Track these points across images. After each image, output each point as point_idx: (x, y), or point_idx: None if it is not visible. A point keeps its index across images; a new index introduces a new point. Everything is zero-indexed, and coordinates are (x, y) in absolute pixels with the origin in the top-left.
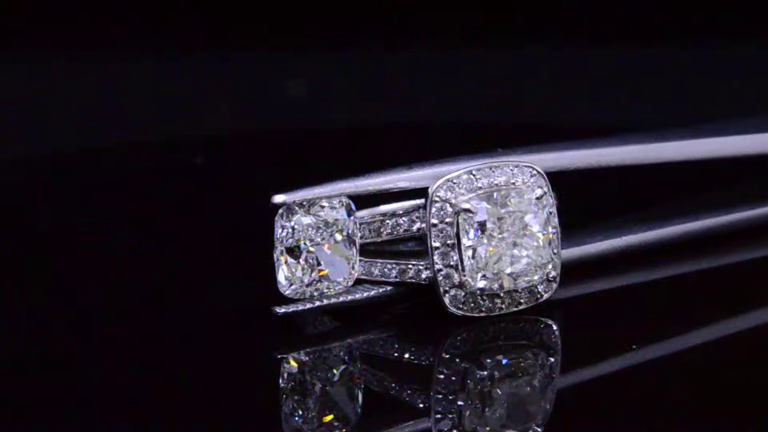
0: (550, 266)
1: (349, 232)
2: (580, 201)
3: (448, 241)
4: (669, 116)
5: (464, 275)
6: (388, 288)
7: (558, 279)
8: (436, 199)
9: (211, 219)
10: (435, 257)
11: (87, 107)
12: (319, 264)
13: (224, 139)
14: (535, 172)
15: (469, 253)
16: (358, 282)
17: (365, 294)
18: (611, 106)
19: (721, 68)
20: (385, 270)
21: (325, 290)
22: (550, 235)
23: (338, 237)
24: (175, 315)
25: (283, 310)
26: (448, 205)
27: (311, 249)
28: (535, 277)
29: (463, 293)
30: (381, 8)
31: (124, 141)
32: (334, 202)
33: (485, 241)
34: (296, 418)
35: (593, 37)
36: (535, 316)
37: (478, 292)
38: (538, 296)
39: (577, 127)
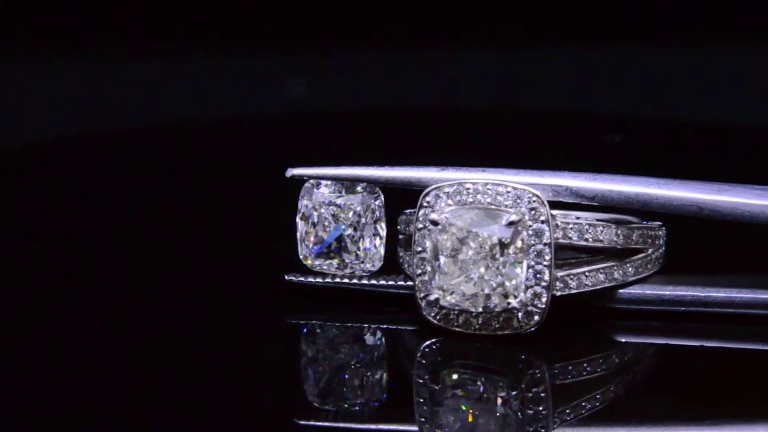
0: (525, 297)
1: (375, 218)
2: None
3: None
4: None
5: (432, 284)
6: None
7: (541, 312)
8: (425, 204)
9: (239, 193)
10: (416, 260)
11: (104, 99)
12: (339, 243)
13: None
14: (534, 198)
15: (433, 263)
16: (393, 271)
17: (381, 282)
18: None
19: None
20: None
21: (348, 271)
22: (532, 265)
23: (363, 221)
24: (194, 285)
25: (290, 278)
26: (431, 212)
27: (331, 227)
28: (500, 304)
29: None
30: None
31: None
32: (367, 187)
33: (449, 255)
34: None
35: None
36: (518, 345)
37: (437, 304)
38: (516, 326)
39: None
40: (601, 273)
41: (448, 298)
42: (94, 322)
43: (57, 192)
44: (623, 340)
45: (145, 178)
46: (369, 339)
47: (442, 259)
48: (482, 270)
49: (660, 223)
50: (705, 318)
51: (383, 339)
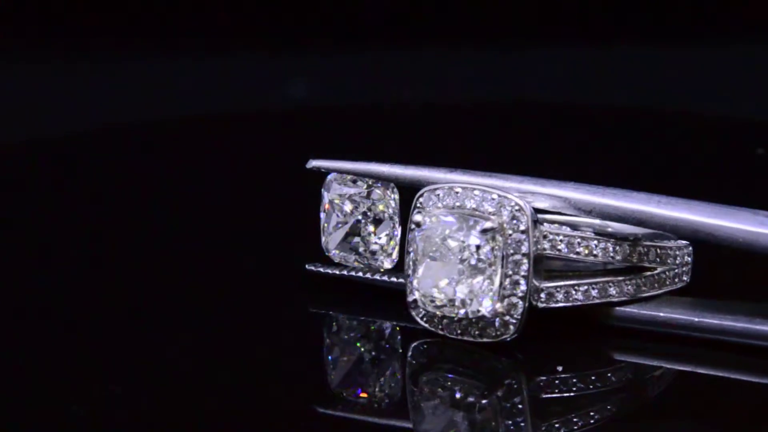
0: (501, 306)
1: (392, 215)
2: None
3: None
4: None
5: (413, 285)
6: None
7: (516, 323)
8: (418, 204)
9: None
10: (406, 261)
11: (107, 98)
12: (359, 237)
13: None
14: (517, 207)
15: (416, 264)
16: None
17: (393, 280)
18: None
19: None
20: None
21: (365, 264)
22: (509, 274)
23: (381, 217)
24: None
25: (311, 267)
26: (419, 213)
27: (350, 220)
28: (473, 311)
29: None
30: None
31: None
32: (384, 184)
33: (429, 258)
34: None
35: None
36: (501, 354)
37: (417, 305)
38: (494, 334)
39: None
40: (593, 288)
41: (425, 300)
42: (118, 310)
43: (83, 187)
44: (619, 358)
45: (163, 172)
46: (376, 335)
47: (422, 262)
48: (457, 275)
49: (686, 242)
50: (702, 343)
51: (389, 335)
